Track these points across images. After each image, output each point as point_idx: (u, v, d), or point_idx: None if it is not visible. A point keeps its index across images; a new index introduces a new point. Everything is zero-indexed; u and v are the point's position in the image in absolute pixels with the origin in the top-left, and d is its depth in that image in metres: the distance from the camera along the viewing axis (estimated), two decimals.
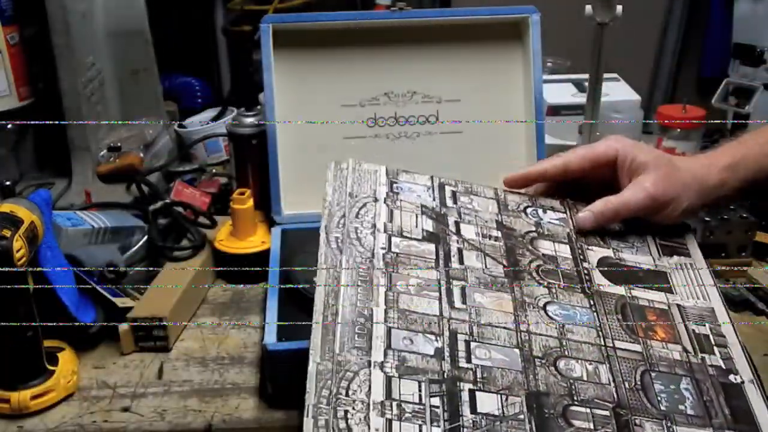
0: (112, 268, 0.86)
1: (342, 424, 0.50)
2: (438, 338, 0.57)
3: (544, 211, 0.72)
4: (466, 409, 0.52)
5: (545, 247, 0.67)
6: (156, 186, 1.09)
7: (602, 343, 0.60)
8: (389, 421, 0.50)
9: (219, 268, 0.95)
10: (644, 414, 0.55)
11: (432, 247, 0.64)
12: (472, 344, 0.57)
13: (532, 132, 1.03)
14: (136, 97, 1.25)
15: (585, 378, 0.57)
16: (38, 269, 0.74)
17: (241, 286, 0.94)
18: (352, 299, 0.58)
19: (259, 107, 1.05)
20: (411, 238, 0.64)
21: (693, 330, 0.62)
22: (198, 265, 0.91)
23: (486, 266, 0.63)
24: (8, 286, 0.68)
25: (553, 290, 0.63)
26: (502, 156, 1.03)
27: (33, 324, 0.71)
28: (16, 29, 1.08)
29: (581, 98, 1.16)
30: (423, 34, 1.02)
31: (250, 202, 0.93)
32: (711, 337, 0.62)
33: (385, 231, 0.64)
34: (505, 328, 0.59)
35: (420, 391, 0.53)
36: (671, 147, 1.25)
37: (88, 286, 0.81)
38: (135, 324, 0.80)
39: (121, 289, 0.86)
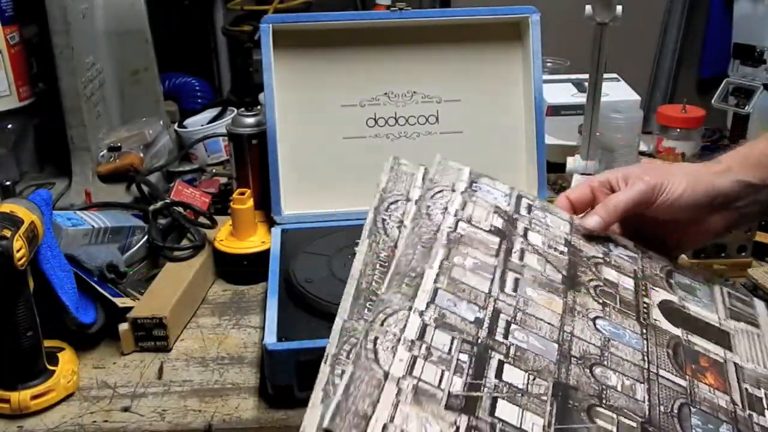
0: (112, 268, 0.86)
1: (369, 346, 0.51)
2: (481, 310, 0.57)
3: (616, 246, 0.71)
4: (491, 374, 0.53)
5: (609, 273, 0.66)
6: (156, 186, 1.09)
7: (646, 366, 0.58)
8: (414, 358, 0.51)
9: (219, 268, 0.96)
10: None
11: (497, 239, 0.65)
12: (513, 326, 0.57)
13: (532, 132, 1.03)
14: (136, 97, 1.26)
15: (619, 389, 0.56)
16: (38, 269, 0.74)
17: (241, 286, 0.94)
18: (408, 257, 0.60)
19: (259, 107, 1.05)
20: (478, 228, 0.65)
21: (746, 389, 0.60)
22: (198, 265, 0.91)
23: (545, 270, 0.63)
24: (8, 286, 0.68)
25: (608, 309, 0.62)
26: (502, 156, 1.03)
27: (33, 324, 0.71)
28: (16, 29, 1.08)
29: (581, 98, 1.16)
30: (423, 34, 1.02)
31: (250, 202, 0.93)
32: (764, 400, 0.59)
33: (455, 215, 0.65)
34: (549, 323, 0.59)
35: (451, 344, 0.53)
36: (671, 147, 1.25)
37: (88, 286, 0.81)
38: (135, 324, 0.80)
39: (121, 289, 0.86)
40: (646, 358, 0.59)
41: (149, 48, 1.26)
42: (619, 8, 0.96)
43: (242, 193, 0.93)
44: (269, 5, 1.67)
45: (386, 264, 0.60)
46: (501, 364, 0.53)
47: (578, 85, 1.31)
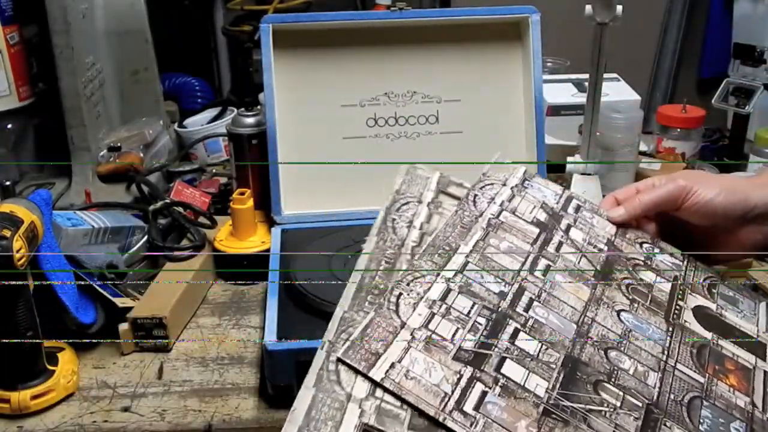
0: (112, 268, 0.86)
1: (393, 299, 0.56)
2: (507, 285, 0.61)
3: (662, 252, 0.72)
4: (505, 337, 0.56)
5: (646, 275, 0.67)
6: (156, 186, 1.09)
7: (664, 359, 0.59)
8: (432, 314, 0.55)
9: (219, 269, 0.96)
10: (679, 422, 0.55)
11: (536, 230, 0.68)
12: (535, 302, 0.60)
13: (532, 132, 1.03)
14: (136, 97, 1.26)
15: (631, 372, 0.57)
16: (38, 269, 0.74)
17: (241, 286, 0.94)
18: (446, 234, 0.64)
19: (259, 107, 1.05)
20: (521, 218, 0.69)
21: None
22: (198, 265, 0.91)
23: (579, 262, 0.66)
24: (8, 286, 0.68)
25: (635, 305, 0.63)
26: (502, 156, 1.03)
27: (33, 324, 0.71)
28: (16, 29, 1.08)
29: (581, 98, 1.16)
30: (423, 34, 1.02)
31: (250, 202, 0.93)
32: None
33: (500, 205, 0.69)
34: (572, 307, 0.61)
35: (471, 308, 0.57)
36: (671, 147, 1.25)
37: (88, 286, 0.81)
38: (135, 324, 0.80)
39: (121, 289, 0.86)
40: (666, 352, 0.60)
41: (149, 48, 1.26)
42: (619, 8, 0.96)
43: (242, 193, 0.93)
44: (269, 5, 1.67)
45: (392, 261, 0.61)
46: (517, 331, 0.57)
47: (578, 85, 1.31)
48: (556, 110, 1.24)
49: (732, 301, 0.69)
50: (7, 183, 0.79)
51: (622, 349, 0.59)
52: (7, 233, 0.67)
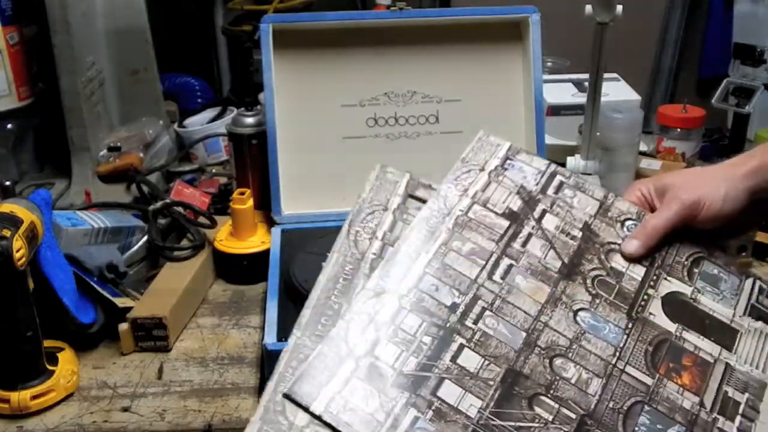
0: (112, 268, 0.86)
1: (343, 325, 0.57)
2: (461, 296, 0.61)
3: None
4: (447, 356, 0.56)
5: (618, 261, 0.66)
6: (156, 186, 1.09)
7: (613, 362, 0.59)
8: (379, 338, 0.56)
9: (219, 269, 0.96)
10: (609, 430, 0.55)
11: (506, 224, 0.66)
12: (487, 312, 0.60)
13: (532, 132, 1.03)
14: (136, 97, 1.25)
15: (573, 381, 0.57)
16: (38, 269, 0.74)
17: (241, 286, 0.94)
18: (416, 240, 0.64)
19: (259, 107, 1.05)
20: (491, 211, 0.67)
21: (726, 392, 0.59)
22: (198, 265, 0.91)
23: (545, 257, 0.65)
24: (8, 286, 0.68)
25: (597, 301, 0.63)
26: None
27: (33, 324, 0.71)
28: (16, 29, 1.08)
29: (581, 98, 1.16)
30: (423, 34, 1.02)
31: (250, 202, 0.93)
32: (742, 406, 0.59)
33: (472, 198, 0.68)
34: (525, 312, 0.61)
35: (419, 327, 0.58)
36: (671, 147, 1.25)
37: (88, 286, 0.81)
38: (135, 324, 0.80)
39: (121, 289, 0.86)
40: (617, 353, 0.60)
41: (149, 48, 1.26)
42: (619, 8, 0.96)
43: (242, 193, 0.93)
44: (269, 5, 1.66)
45: (350, 277, 0.61)
46: (461, 347, 0.57)
47: (578, 85, 1.31)
48: (556, 110, 1.24)
49: (713, 281, 0.66)
50: (7, 183, 0.79)
51: (570, 355, 0.59)
52: (7, 233, 0.67)
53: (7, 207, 0.69)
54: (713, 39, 2.10)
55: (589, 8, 0.98)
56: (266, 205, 0.99)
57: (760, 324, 0.65)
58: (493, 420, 0.54)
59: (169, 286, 0.85)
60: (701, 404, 0.58)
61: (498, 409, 0.55)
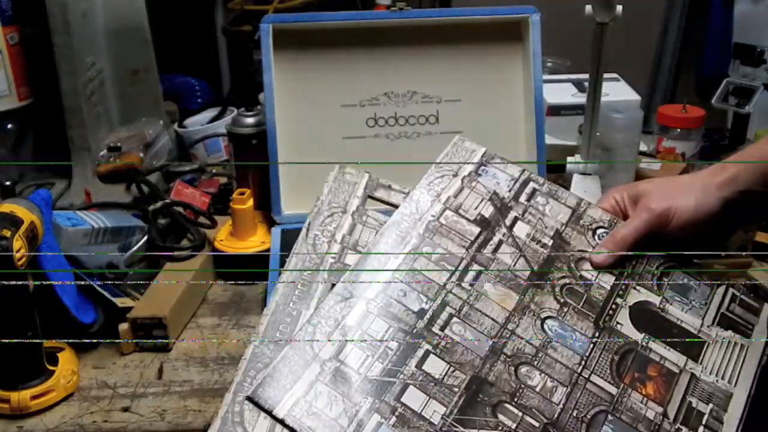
0: (112, 268, 0.86)
1: (310, 329, 0.57)
2: (429, 302, 0.61)
3: None
4: (413, 362, 0.57)
5: (588, 270, 0.66)
6: (156, 186, 1.09)
7: (578, 371, 0.59)
8: (345, 342, 0.57)
9: (219, 269, 0.96)
10: None
11: (477, 230, 0.67)
12: (454, 319, 0.60)
13: (532, 132, 1.03)
14: (136, 97, 1.25)
15: (538, 389, 0.58)
16: (38, 269, 0.74)
17: (241, 286, 0.94)
18: (385, 245, 0.64)
19: (259, 107, 1.05)
20: (463, 217, 0.67)
21: (690, 402, 0.59)
22: (198, 265, 0.91)
23: (515, 265, 0.65)
24: (8, 286, 0.68)
25: (565, 309, 0.63)
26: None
27: (33, 324, 0.71)
28: (16, 29, 1.08)
29: (581, 98, 1.16)
30: (423, 34, 1.02)
31: (250, 202, 0.93)
32: (706, 416, 0.59)
33: (444, 203, 0.68)
34: (492, 319, 0.61)
35: (386, 333, 0.58)
36: (671, 147, 1.25)
37: (88, 286, 0.81)
38: (135, 324, 0.80)
39: (121, 289, 0.86)
40: (583, 362, 0.60)
41: (149, 48, 1.26)
42: (619, 8, 0.96)
43: (242, 193, 0.93)
44: (269, 5, 1.66)
45: (308, 283, 0.61)
46: (427, 354, 0.57)
47: (578, 85, 1.31)
48: (556, 110, 1.24)
49: (683, 291, 0.66)
50: (7, 183, 0.79)
51: (535, 363, 0.59)
52: (7, 233, 0.67)
53: (7, 207, 0.69)
54: (713, 39, 2.10)
55: (589, 8, 0.98)
56: (266, 205, 0.99)
57: (729, 333, 0.64)
58: (456, 427, 0.54)
59: (169, 286, 0.85)
60: (665, 414, 0.58)
61: (461, 416, 0.55)
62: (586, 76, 1.05)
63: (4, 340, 0.70)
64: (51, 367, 0.73)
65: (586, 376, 0.59)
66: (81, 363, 0.78)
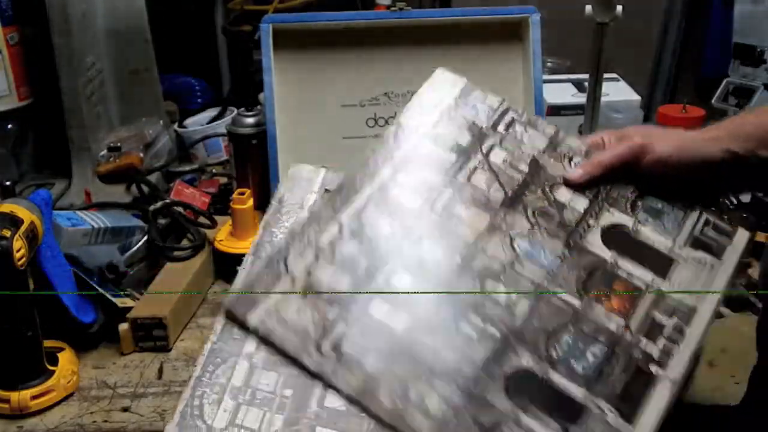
0: (112, 268, 0.86)
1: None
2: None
3: None
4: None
5: (562, 195, 0.66)
6: (156, 186, 1.09)
7: (545, 285, 0.60)
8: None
9: (219, 269, 0.96)
10: (530, 347, 0.56)
11: (453, 157, 0.67)
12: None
13: None
14: (136, 97, 1.25)
15: (502, 302, 0.58)
16: (38, 269, 0.74)
17: None
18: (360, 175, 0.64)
19: (259, 107, 1.05)
20: (440, 145, 0.67)
21: (654, 316, 0.59)
22: (198, 265, 0.91)
23: (489, 189, 0.65)
24: (8, 286, 0.68)
25: (535, 229, 0.63)
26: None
27: (33, 324, 0.71)
28: (16, 29, 1.08)
29: (581, 98, 1.16)
30: (423, 34, 1.02)
31: (250, 202, 0.93)
32: (667, 329, 0.59)
33: (422, 133, 0.68)
34: (463, 239, 0.61)
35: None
36: None
37: (88, 286, 0.81)
38: (135, 324, 0.80)
39: (121, 289, 0.86)
40: (548, 277, 0.61)
41: (149, 48, 1.26)
42: (619, 8, 0.96)
43: (242, 193, 0.93)
44: (269, 5, 1.66)
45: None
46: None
47: (578, 85, 1.31)
48: (556, 110, 1.24)
49: (656, 214, 0.66)
50: (7, 183, 0.79)
51: (501, 277, 0.60)
52: (7, 233, 0.67)
53: (7, 207, 0.69)
54: (713, 39, 2.09)
55: (589, 8, 0.98)
56: (266, 205, 0.99)
57: (700, 254, 0.64)
58: None
59: (169, 286, 0.85)
60: (627, 326, 0.59)
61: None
62: (586, 76, 1.06)
63: (4, 340, 0.70)
64: (51, 367, 0.73)
65: (551, 290, 0.60)
66: (81, 363, 0.78)
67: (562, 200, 0.66)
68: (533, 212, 0.64)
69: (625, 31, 1.06)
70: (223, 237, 0.95)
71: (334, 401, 0.53)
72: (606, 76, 1.03)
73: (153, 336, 0.80)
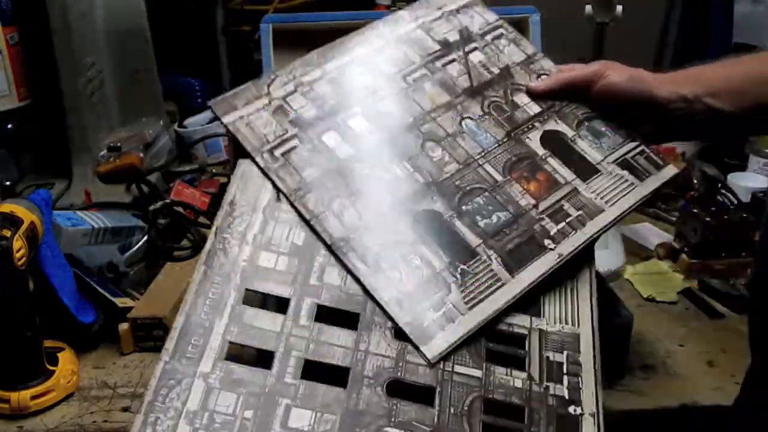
0: (112, 268, 0.86)
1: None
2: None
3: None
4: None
5: (520, 98, 0.72)
6: (156, 186, 1.09)
7: (476, 158, 0.66)
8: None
9: None
10: (445, 198, 0.63)
11: (438, 47, 0.74)
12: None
13: None
14: (136, 97, 1.25)
15: (434, 159, 0.65)
16: (38, 269, 0.74)
17: None
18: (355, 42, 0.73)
19: None
20: (429, 36, 0.75)
21: (563, 205, 0.64)
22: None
23: (455, 78, 0.72)
24: (8, 286, 0.68)
25: (486, 116, 0.70)
26: None
27: (33, 324, 0.71)
28: (16, 29, 1.08)
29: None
30: None
31: None
32: (572, 218, 0.63)
33: (419, 25, 0.76)
34: (420, 107, 0.69)
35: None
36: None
37: (88, 286, 0.81)
38: (135, 324, 0.80)
39: (121, 289, 0.86)
40: (482, 154, 0.67)
41: (149, 48, 1.26)
42: (619, 8, 0.96)
43: None
44: (269, 5, 1.66)
45: (219, 290, 0.56)
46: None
47: None
48: None
49: (596, 134, 0.71)
50: (7, 183, 0.79)
51: (441, 143, 0.67)
52: (7, 233, 0.67)
53: (7, 207, 0.69)
54: (713, 39, 2.10)
55: (589, 8, 0.98)
56: None
57: (625, 172, 0.68)
58: None
59: (169, 286, 0.85)
60: (535, 206, 0.64)
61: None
62: None
63: (4, 340, 0.70)
64: (51, 367, 0.73)
65: (480, 164, 0.66)
66: (81, 363, 0.78)
67: (518, 102, 0.72)
68: (489, 104, 0.71)
69: (625, 31, 1.06)
70: None
71: (297, 422, 0.51)
72: None
73: (153, 336, 0.80)
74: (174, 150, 1.28)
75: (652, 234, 1.08)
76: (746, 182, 1.13)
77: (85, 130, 1.09)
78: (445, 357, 0.57)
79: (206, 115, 1.42)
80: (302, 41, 1.00)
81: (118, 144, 1.13)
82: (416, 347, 0.55)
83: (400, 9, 0.99)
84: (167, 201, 1.00)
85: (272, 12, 1.64)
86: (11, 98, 1.09)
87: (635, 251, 1.04)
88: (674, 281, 0.97)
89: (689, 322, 0.89)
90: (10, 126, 1.12)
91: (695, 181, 1.17)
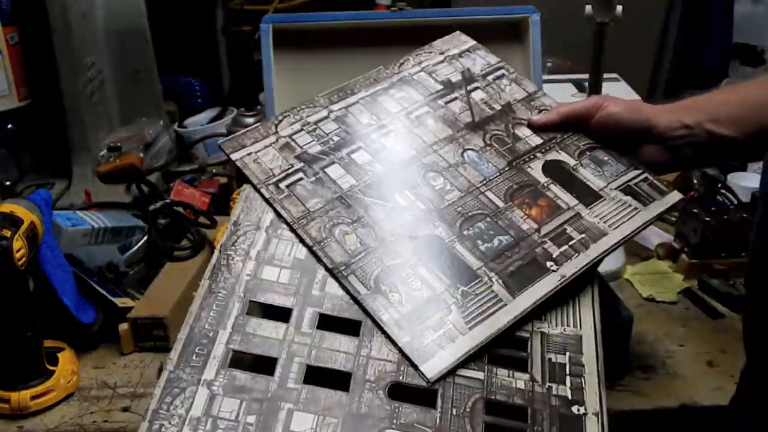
0: (112, 268, 0.86)
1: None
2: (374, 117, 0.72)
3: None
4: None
5: (522, 131, 0.73)
6: (156, 186, 1.09)
7: (478, 186, 0.67)
8: None
9: None
10: (447, 223, 0.64)
11: (440, 87, 0.77)
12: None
13: None
14: (136, 97, 1.26)
15: (436, 188, 0.66)
16: (38, 269, 0.74)
17: None
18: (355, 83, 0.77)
19: (259, 107, 1.05)
20: (432, 77, 0.79)
21: (565, 229, 0.64)
22: (198, 265, 0.91)
23: (457, 114, 0.74)
24: (8, 286, 0.68)
25: (487, 148, 0.71)
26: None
27: (33, 324, 0.71)
28: (16, 29, 1.08)
29: (581, 98, 1.16)
30: (423, 34, 1.02)
31: None
32: (574, 241, 0.63)
33: (422, 67, 0.80)
34: (422, 139, 0.71)
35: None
36: None
37: (88, 286, 0.81)
38: (135, 324, 0.80)
39: (121, 289, 0.86)
40: (484, 182, 0.68)
41: (149, 48, 1.26)
42: (619, 8, 0.96)
43: None
44: (269, 5, 1.67)
45: (223, 302, 0.58)
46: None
47: (578, 85, 1.31)
48: None
49: (599, 163, 0.71)
50: (7, 183, 0.79)
51: (443, 173, 0.68)
52: (7, 233, 0.67)
53: (7, 207, 0.70)
54: (713, 39, 2.10)
55: (589, 8, 0.98)
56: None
57: (628, 198, 0.68)
58: None
59: (169, 286, 0.85)
60: (537, 230, 0.64)
61: None
62: (586, 76, 1.05)
63: (4, 340, 0.70)
64: (51, 367, 0.73)
65: (482, 191, 0.67)
66: (81, 363, 0.78)
67: (519, 135, 0.73)
68: (491, 137, 0.73)
69: (625, 31, 1.06)
70: None
71: (299, 426, 0.52)
72: (606, 76, 1.03)
73: (153, 336, 0.80)
74: (174, 150, 1.28)
75: (652, 234, 1.08)
76: (746, 182, 1.13)
77: (85, 130, 1.09)
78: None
79: (206, 115, 1.42)
80: (302, 41, 1.00)
81: (118, 144, 1.13)
82: (415, 367, 0.55)
83: (400, 9, 0.99)
84: (167, 201, 1.00)
85: (272, 12, 1.64)
86: (11, 98, 1.09)
87: (635, 251, 1.04)
88: (674, 281, 0.97)
89: (689, 322, 0.89)
90: (10, 126, 1.12)
91: (695, 181, 1.17)
